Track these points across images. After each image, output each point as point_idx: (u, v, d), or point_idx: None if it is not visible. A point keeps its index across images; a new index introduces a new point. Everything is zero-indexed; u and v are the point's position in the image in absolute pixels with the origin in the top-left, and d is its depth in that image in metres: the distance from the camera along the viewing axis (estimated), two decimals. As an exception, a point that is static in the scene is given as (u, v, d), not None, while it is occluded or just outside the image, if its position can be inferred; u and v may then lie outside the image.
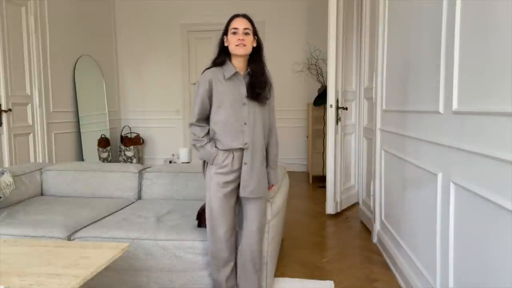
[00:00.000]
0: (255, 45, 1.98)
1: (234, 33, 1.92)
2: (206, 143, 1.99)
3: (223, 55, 1.99)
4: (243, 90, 1.96)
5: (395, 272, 2.59)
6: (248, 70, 2.00)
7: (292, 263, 2.78)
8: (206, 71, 2.00)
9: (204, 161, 2.05)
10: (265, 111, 2.03)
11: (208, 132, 2.02)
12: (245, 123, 1.96)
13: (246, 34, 1.92)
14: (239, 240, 2.09)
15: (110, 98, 6.19)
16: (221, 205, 1.98)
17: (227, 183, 1.97)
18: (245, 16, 1.96)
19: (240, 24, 1.92)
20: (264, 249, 2.15)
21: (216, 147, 1.98)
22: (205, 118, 2.02)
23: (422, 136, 2.10)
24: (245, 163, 1.97)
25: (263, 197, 2.06)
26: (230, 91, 1.95)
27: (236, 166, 1.97)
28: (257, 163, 1.99)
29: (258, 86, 1.96)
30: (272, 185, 2.15)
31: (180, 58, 6.43)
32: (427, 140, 2.02)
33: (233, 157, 1.97)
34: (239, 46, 1.91)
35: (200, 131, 2.02)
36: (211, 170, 1.99)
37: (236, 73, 1.96)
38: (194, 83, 2.10)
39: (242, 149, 1.97)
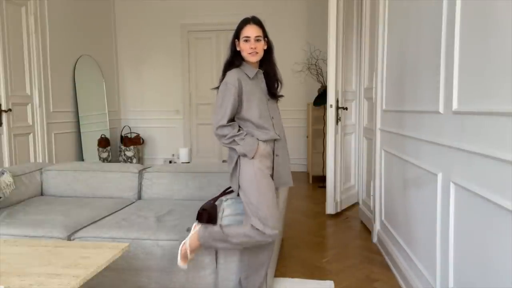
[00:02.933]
0: (265, 47, 2.04)
1: (246, 40, 1.98)
2: (246, 135, 1.99)
3: (238, 58, 2.05)
4: (265, 87, 2.09)
5: (395, 272, 2.59)
6: (262, 70, 2.09)
7: (292, 263, 2.78)
8: (230, 72, 2.02)
9: (237, 161, 2.02)
10: (278, 108, 2.16)
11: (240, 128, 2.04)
12: (272, 117, 2.06)
13: (258, 41, 1.99)
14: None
15: (110, 98, 6.19)
16: (269, 182, 2.01)
17: (270, 175, 2.04)
18: (255, 22, 2.01)
19: (251, 32, 1.98)
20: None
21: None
22: (232, 119, 2.04)
23: (422, 136, 2.10)
24: (277, 155, 2.06)
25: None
26: (256, 88, 2.04)
27: (272, 157, 2.05)
28: (286, 155, 2.11)
29: (273, 86, 2.10)
30: None
31: (180, 58, 6.43)
32: (427, 140, 2.02)
33: (271, 149, 2.04)
34: (252, 54, 1.98)
35: (233, 128, 2.00)
36: (254, 164, 1.97)
37: (257, 72, 2.06)
38: (217, 87, 2.15)
39: (274, 142, 2.04)
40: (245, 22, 2.02)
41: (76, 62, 5.37)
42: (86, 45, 5.61)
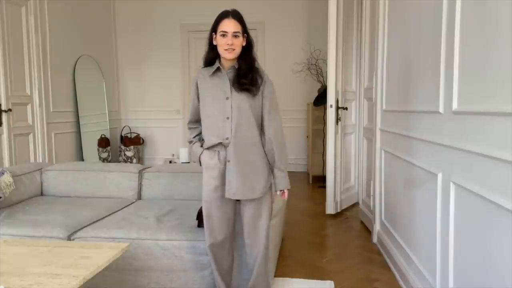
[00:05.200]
0: (244, 44, 1.88)
1: (223, 35, 1.83)
2: (193, 143, 2.01)
3: (213, 53, 1.92)
4: (227, 84, 1.88)
5: (395, 272, 2.58)
6: (234, 65, 1.90)
7: (292, 263, 2.78)
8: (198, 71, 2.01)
9: None
10: (255, 104, 1.89)
11: (200, 133, 2.02)
12: (227, 118, 1.86)
13: (236, 37, 1.83)
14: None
15: (110, 98, 6.19)
16: (217, 209, 1.95)
17: (218, 187, 1.92)
18: (234, 16, 1.85)
19: (229, 27, 1.82)
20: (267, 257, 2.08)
21: (201, 146, 1.98)
22: (198, 120, 2.01)
23: (422, 136, 2.10)
24: (228, 161, 1.88)
25: (257, 200, 1.91)
26: (213, 87, 1.91)
27: (223, 166, 1.90)
28: (243, 161, 1.87)
29: (242, 77, 1.86)
30: (282, 191, 1.95)
31: (180, 58, 6.43)
32: (427, 140, 2.02)
33: (218, 157, 1.91)
34: (228, 51, 1.83)
35: (191, 133, 2.07)
36: (203, 172, 1.98)
37: (218, 68, 1.90)
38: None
39: (225, 146, 1.89)
40: (223, 15, 1.86)
41: (76, 62, 5.37)
42: (86, 45, 5.61)
